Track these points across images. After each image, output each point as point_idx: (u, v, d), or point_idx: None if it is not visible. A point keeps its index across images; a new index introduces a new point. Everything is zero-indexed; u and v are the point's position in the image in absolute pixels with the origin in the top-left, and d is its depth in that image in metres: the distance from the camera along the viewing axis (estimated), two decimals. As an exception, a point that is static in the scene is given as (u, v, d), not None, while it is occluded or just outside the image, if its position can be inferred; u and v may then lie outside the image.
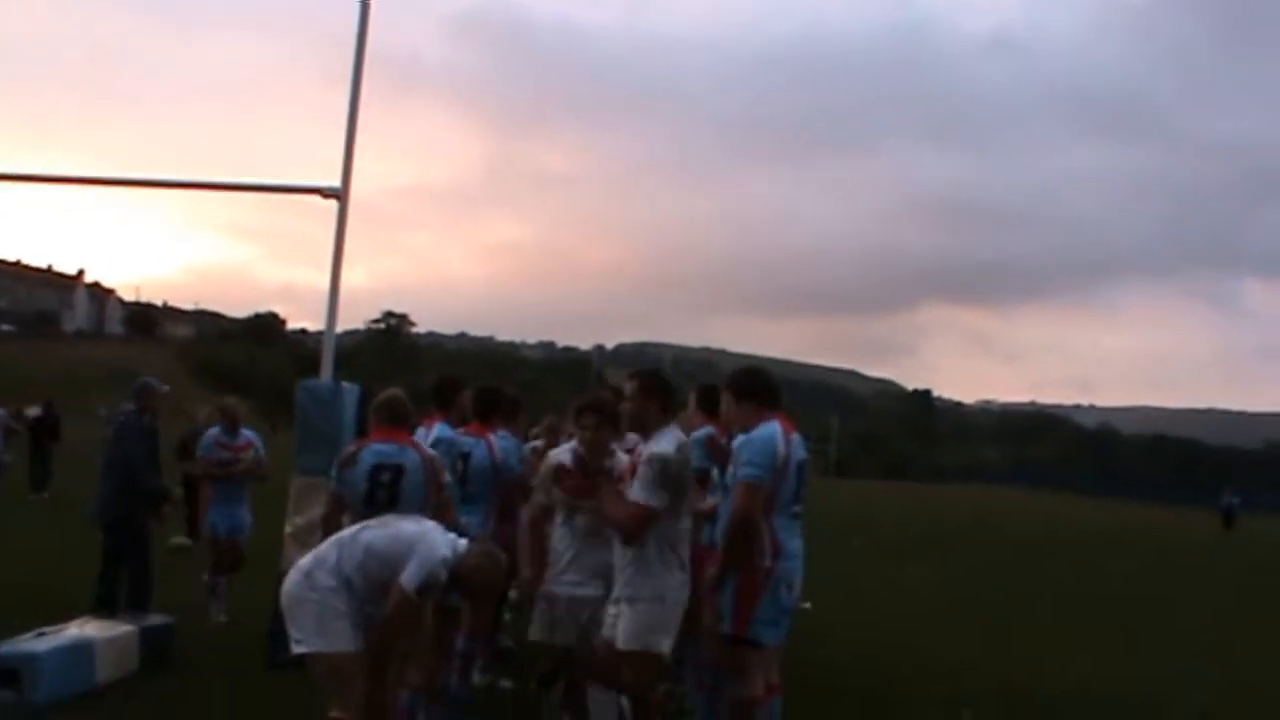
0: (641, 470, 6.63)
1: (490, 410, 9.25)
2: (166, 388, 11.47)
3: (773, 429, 7.13)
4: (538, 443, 11.22)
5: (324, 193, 9.78)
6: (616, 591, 6.74)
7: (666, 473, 6.57)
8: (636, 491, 6.62)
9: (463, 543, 6.35)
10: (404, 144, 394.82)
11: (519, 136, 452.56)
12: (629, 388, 6.93)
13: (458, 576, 6.27)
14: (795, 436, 7.19)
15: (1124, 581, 23.82)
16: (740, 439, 7.30)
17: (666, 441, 6.69)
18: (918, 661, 12.59)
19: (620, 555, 6.75)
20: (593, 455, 7.17)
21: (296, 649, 6.07)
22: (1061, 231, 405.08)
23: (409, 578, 6.02)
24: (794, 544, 6.95)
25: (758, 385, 7.57)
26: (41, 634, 8.69)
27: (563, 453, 7.44)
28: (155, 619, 9.72)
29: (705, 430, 8.81)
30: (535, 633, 7.26)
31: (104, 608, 10.12)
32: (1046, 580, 23.16)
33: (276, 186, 10.95)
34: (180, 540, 17.39)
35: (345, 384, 10.12)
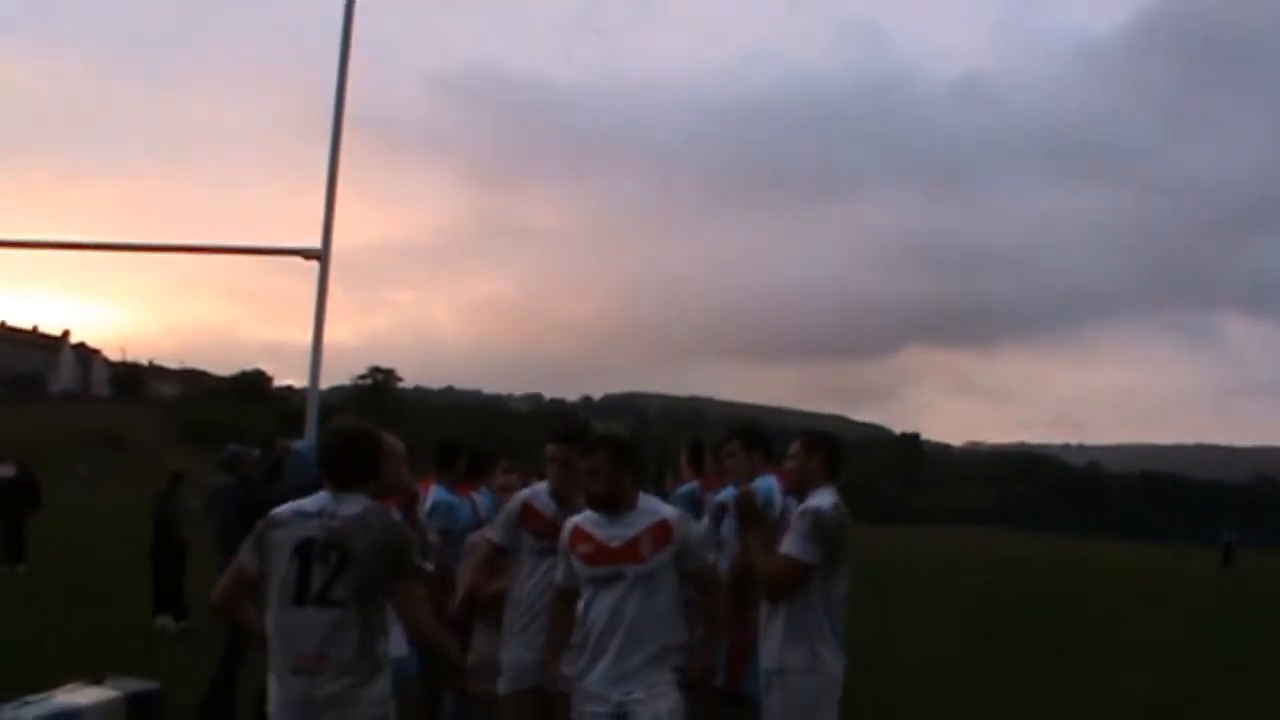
0: (795, 524, 6.25)
1: (477, 469, 9.32)
2: (256, 451, 11.25)
3: (769, 482, 7.21)
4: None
5: (305, 254, 9.83)
6: (763, 664, 6.32)
7: (821, 526, 6.15)
8: (788, 545, 6.22)
9: None
10: (387, 202, 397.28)
11: (501, 192, 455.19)
12: (793, 447, 6.56)
13: None
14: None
15: (1123, 622, 23.79)
16: (730, 490, 7.34)
17: (823, 498, 6.32)
18: (911, 705, 12.59)
19: (766, 621, 6.31)
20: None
21: None
22: (1042, 273, 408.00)
23: None
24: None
25: (764, 438, 7.71)
26: (26, 703, 8.65)
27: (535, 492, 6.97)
28: (143, 685, 9.68)
29: (689, 486, 8.87)
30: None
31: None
32: (1038, 621, 23.15)
33: (257, 249, 10.99)
34: (166, 623, 15.83)
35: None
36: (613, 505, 5.82)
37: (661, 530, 5.73)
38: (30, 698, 8.79)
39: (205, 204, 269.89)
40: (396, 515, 6.16)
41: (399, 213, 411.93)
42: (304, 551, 4.98)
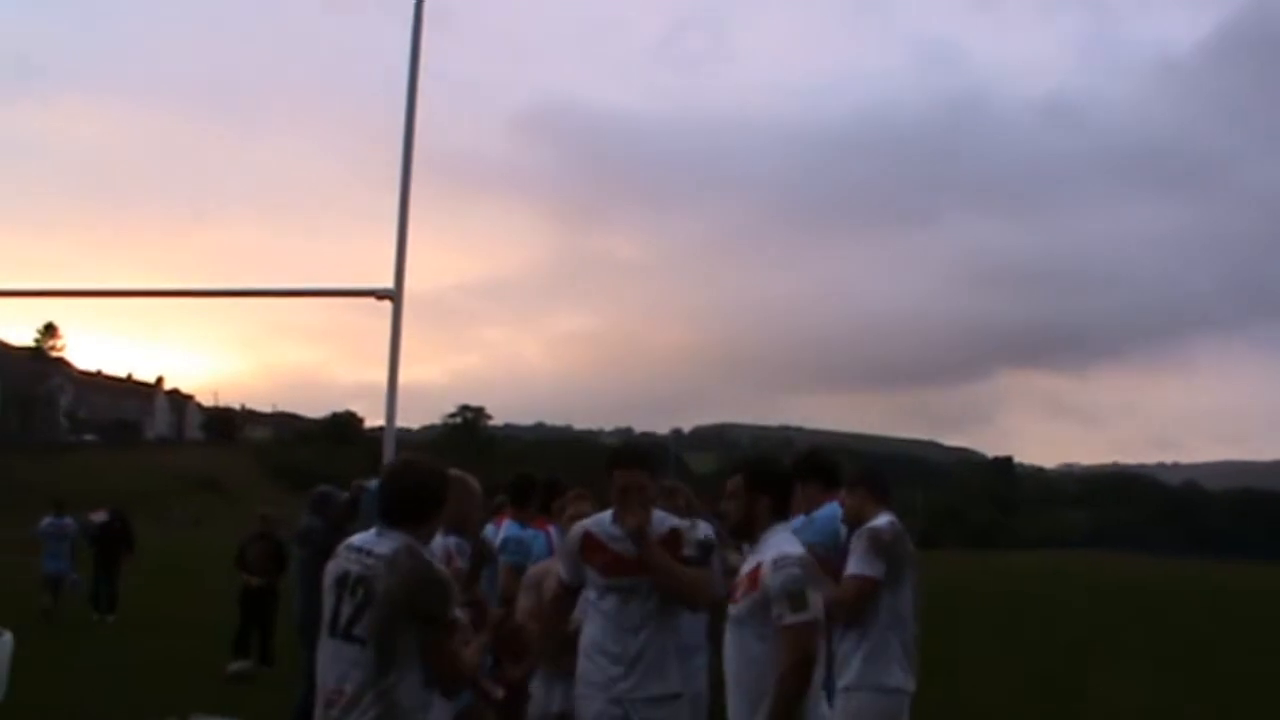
0: (853, 546, 6.52)
1: (550, 500, 9.29)
2: (345, 494, 11.06)
3: (834, 509, 7.20)
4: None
5: (378, 294, 9.88)
6: (836, 684, 6.43)
7: (878, 541, 6.46)
8: (852, 565, 6.48)
9: None
10: (472, 241, 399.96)
11: (584, 227, 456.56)
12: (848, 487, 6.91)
13: None
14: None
15: (1218, 646, 23.39)
16: (800, 519, 7.33)
17: (878, 520, 6.62)
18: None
19: (837, 643, 6.48)
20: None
21: None
22: (1130, 291, 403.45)
23: None
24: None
25: (819, 466, 7.66)
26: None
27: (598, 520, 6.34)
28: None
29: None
30: None
31: None
32: (1134, 642, 22.86)
33: (331, 291, 11.10)
34: (242, 666, 15.44)
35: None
36: (742, 534, 5.76)
37: (755, 574, 5.42)
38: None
39: (289, 249, 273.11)
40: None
41: (485, 251, 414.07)
42: (340, 584, 4.94)
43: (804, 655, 5.22)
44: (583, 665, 6.09)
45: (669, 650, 6.02)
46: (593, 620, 6.12)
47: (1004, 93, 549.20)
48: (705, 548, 6.26)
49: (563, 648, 6.44)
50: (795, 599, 5.23)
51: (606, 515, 6.21)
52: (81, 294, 13.06)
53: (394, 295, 9.90)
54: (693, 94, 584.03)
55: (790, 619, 5.22)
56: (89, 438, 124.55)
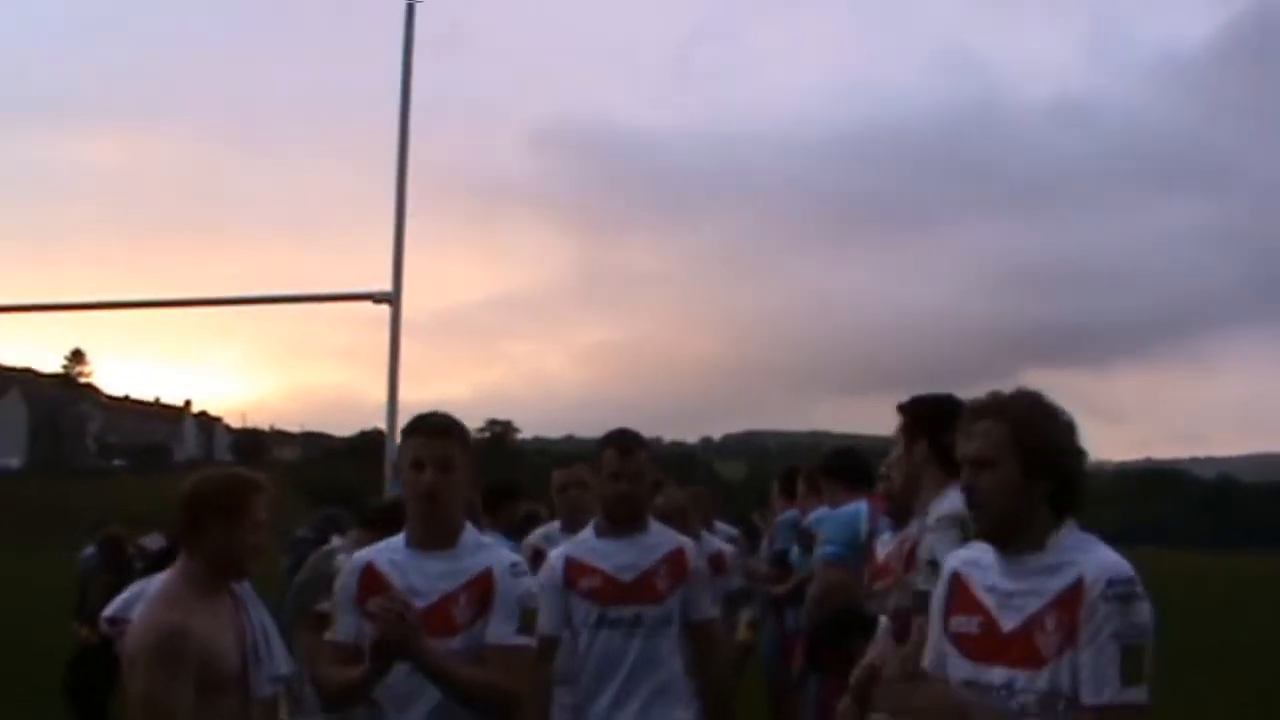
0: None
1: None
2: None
3: (857, 507, 6.85)
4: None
5: (375, 298, 9.69)
6: None
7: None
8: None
9: None
10: (494, 257, 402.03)
11: (606, 241, 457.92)
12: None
13: None
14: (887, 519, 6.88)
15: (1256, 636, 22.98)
16: (817, 514, 7.05)
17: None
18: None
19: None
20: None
21: None
22: (1150, 287, 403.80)
23: None
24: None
25: (844, 465, 7.35)
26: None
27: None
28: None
29: (789, 514, 8.63)
30: None
31: None
32: (1172, 639, 22.44)
33: (330, 296, 10.93)
34: None
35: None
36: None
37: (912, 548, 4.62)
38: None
39: (306, 266, 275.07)
40: None
41: (507, 266, 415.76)
42: None
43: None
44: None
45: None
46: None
47: (1015, 94, 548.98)
48: None
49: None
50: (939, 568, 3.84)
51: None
52: (97, 306, 13.07)
53: (392, 299, 9.69)
54: (708, 106, 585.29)
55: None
56: (118, 463, 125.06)
